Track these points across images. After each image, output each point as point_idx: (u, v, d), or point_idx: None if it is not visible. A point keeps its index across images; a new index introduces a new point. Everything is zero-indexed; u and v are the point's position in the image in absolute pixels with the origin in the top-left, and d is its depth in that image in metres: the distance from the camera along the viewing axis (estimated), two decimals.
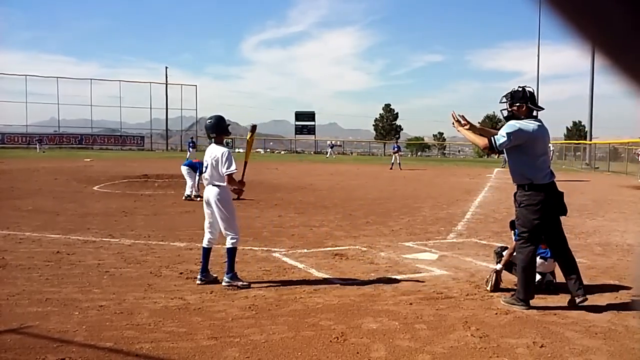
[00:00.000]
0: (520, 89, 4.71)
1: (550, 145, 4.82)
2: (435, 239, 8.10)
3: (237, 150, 61.39)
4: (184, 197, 12.40)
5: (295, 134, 61.38)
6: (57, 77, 58.59)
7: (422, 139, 74.49)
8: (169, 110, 59.60)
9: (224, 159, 5.22)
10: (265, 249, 7.04)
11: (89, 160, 30.68)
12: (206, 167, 5.36)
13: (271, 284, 5.31)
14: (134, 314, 4.29)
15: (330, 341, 3.81)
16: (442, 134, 79.12)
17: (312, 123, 61.04)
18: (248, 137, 6.08)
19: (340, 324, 4.17)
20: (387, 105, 74.70)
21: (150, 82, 60.90)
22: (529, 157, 4.61)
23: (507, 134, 4.59)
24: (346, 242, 7.60)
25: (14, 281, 5.18)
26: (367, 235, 8.30)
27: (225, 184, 5.29)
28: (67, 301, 4.58)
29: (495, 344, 3.80)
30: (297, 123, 60.92)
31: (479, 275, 5.83)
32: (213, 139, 5.46)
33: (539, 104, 4.76)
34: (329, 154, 47.75)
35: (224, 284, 5.20)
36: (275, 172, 23.49)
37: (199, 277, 5.33)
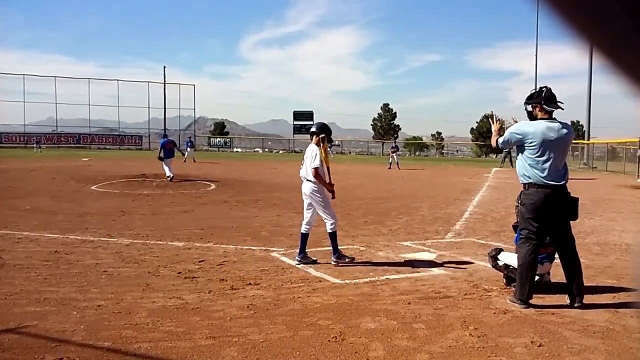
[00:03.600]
0: (537, 90, 4.79)
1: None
2: (433, 239, 8.11)
3: (235, 149, 61.42)
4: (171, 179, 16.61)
5: (294, 133, 61.27)
6: (55, 77, 58.38)
7: (421, 139, 74.52)
8: (167, 109, 59.51)
9: (313, 156, 6.13)
10: (263, 248, 7.03)
11: (87, 159, 30.62)
12: (304, 162, 6.28)
13: (269, 284, 5.30)
14: (132, 314, 4.28)
15: (329, 340, 3.81)
16: (440, 133, 79.21)
17: (311, 122, 60.68)
18: (322, 148, 6.37)
19: (339, 323, 4.17)
20: (386, 105, 74.73)
21: (149, 82, 60.66)
22: (531, 157, 4.65)
23: (507, 134, 4.85)
24: (344, 242, 7.58)
25: (12, 281, 5.18)
26: (366, 234, 8.30)
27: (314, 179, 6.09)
28: (65, 301, 4.58)
29: (493, 343, 3.81)
30: (296, 122, 60.81)
31: (477, 274, 5.84)
32: (311, 139, 6.35)
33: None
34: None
35: (332, 262, 6.03)
36: (273, 172, 23.49)
37: (297, 258, 6.11)
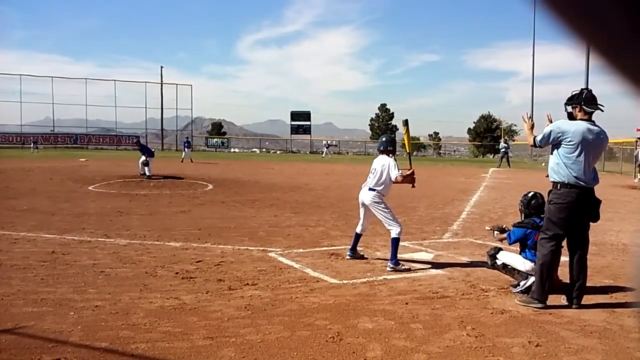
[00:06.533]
0: (578, 91, 4.76)
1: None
2: (430, 239, 8.12)
3: (232, 150, 61.32)
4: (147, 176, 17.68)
5: (291, 133, 61.15)
6: (52, 77, 58.09)
7: (418, 139, 74.54)
8: (164, 110, 59.37)
9: (392, 166, 6.30)
10: (261, 248, 7.03)
11: (84, 160, 30.53)
12: (372, 173, 6.46)
13: (267, 284, 5.30)
14: (129, 314, 4.28)
15: (326, 341, 3.81)
16: (438, 133, 79.25)
17: (308, 123, 60.84)
18: (404, 132, 6.92)
19: (336, 323, 4.18)
20: (383, 105, 74.77)
21: (146, 82, 60.41)
22: (566, 156, 4.63)
23: (546, 130, 4.80)
24: (342, 242, 7.60)
25: (9, 281, 5.16)
26: (363, 234, 8.28)
27: (379, 189, 6.31)
28: (62, 301, 4.57)
29: (490, 344, 3.81)
30: (293, 123, 60.71)
31: (475, 274, 5.84)
32: (381, 152, 6.59)
33: (586, 104, 4.68)
34: (324, 153, 47.66)
35: (388, 269, 5.96)
36: (271, 172, 23.47)
37: (348, 252, 6.57)
